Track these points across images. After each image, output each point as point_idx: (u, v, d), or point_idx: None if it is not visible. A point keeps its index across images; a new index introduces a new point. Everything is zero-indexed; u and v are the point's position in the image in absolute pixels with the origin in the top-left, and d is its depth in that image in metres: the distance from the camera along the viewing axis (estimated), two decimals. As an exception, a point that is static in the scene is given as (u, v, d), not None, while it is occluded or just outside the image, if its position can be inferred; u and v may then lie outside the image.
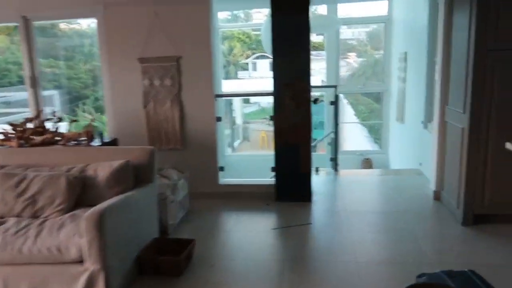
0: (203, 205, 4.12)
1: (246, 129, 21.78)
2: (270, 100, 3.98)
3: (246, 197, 4.26)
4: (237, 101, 21.09)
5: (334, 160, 5.23)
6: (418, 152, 5.24)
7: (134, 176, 3.02)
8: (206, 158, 4.27)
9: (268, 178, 4.30)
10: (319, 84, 10.25)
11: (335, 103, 5.14)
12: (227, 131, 19.91)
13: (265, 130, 20.30)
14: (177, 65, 4.11)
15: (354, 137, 11.30)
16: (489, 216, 3.35)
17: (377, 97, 8.58)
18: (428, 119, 4.95)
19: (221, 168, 4.37)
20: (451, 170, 3.63)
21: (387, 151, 7.41)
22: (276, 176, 4.15)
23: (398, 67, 6.36)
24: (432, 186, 4.08)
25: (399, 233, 3.30)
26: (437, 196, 3.99)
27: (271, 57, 3.92)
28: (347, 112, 16.32)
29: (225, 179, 4.48)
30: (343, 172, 5.21)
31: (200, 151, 4.26)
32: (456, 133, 3.46)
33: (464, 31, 3.27)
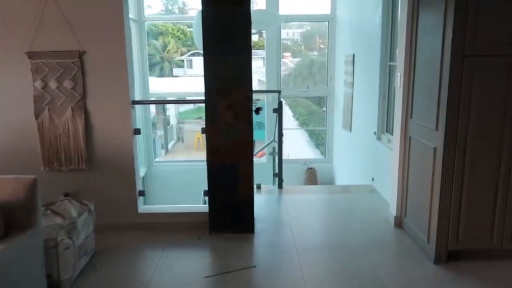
0: (116, 242, 3.22)
1: (181, 129, 20.66)
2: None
3: (174, 229, 3.43)
4: (170, 100, 19.90)
5: (279, 176, 4.54)
6: (370, 165, 4.72)
7: (2, 221, 2.10)
8: (121, 181, 3.37)
9: (200, 204, 3.51)
10: (257, 86, 9.61)
11: (278, 110, 4.45)
12: (160, 132, 18.77)
13: (200, 131, 19.38)
14: (80, 63, 3.16)
15: (295, 142, 10.81)
16: (463, 252, 2.83)
17: (319, 100, 8.09)
18: (381, 130, 4.43)
19: (141, 193, 3.49)
20: (418, 195, 3.08)
21: (332, 160, 6.91)
22: (210, 203, 3.36)
23: (344, 70, 5.84)
24: (392, 211, 3.52)
25: (363, 279, 2.66)
26: (398, 222, 3.44)
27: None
28: (285, 113, 15.90)
29: (147, 206, 3.61)
30: (287, 189, 4.54)
31: (112, 172, 3.34)
32: (426, 153, 2.90)
33: (436, 34, 2.71)
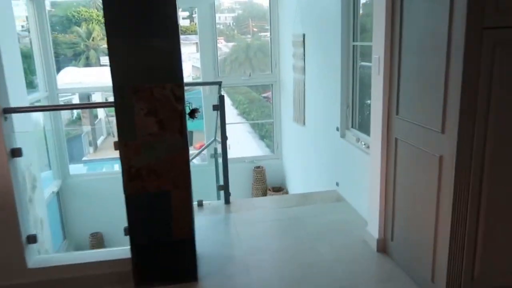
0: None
1: (111, 122, 18.88)
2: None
3: (84, 285, 2.42)
4: (99, 92, 18.05)
5: (225, 189, 3.64)
6: (332, 167, 3.97)
7: None
8: (-4, 227, 2.29)
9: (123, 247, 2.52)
10: (191, 74, 8.64)
11: (220, 106, 3.53)
12: (87, 128, 17.01)
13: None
14: None
15: (236, 134, 9.86)
16: (478, 291, 2.14)
17: (262, 88, 7.26)
18: (346, 125, 3.68)
19: (32, 239, 2.43)
20: (414, 216, 2.34)
21: (281, 156, 6.14)
22: (134, 246, 2.39)
23: (292, 53, 5.03)
24: (372, 231, 2.78)
25: None
26: (381, 247, 2.71)
27: (106, 45, 2.10)
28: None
29: (42, 257, 2.56)
30: (236, 204, 3.67)
31: (-20, 215, 2.25)
32: (425, 162, 2.15)
33: (439, 1, 1.94)
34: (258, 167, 6.01)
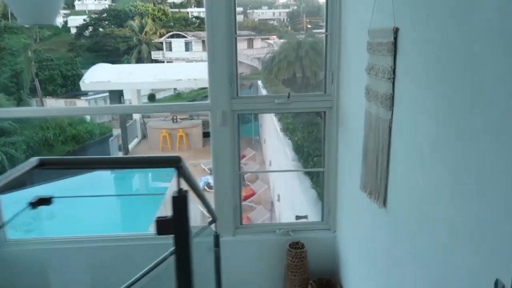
0: None
1: (146, 123, 17.22)
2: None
3: None
4: (131, 90, 16.45)
5: None
6: None
7: None
8: None
9: None
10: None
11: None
12: (116, 132, 15.28)
13: (167, 128, 16.02)
14: None
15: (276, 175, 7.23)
16: None
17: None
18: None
19: None
20: None
21: (335, 226, 3.83)
22: None
23: (367, 64, 2.69)
24: None
25: None
26: None
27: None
28: (268, 128, 12.13)
29: None
30: None
31: None
32: None
33: None
34: (297, 244, 3.72)
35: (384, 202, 2.48)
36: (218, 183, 3.68)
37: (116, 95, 15.24)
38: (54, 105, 24.71)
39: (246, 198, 10.90)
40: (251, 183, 12.32)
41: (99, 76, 13.71)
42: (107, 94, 17.03)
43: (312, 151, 6.48)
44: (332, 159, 3.67)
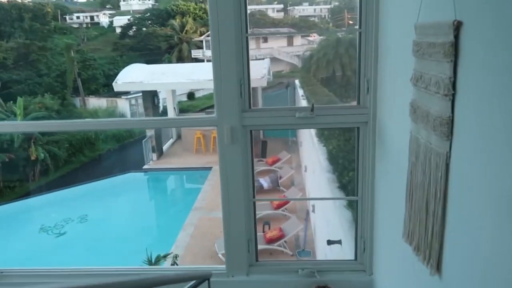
0: None
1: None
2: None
3: None
4: (167, 88, 16.18)
5: None
6: None
7: None
8: None
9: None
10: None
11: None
12: (150, 133, 15.10)
13: (201, 129, 15.64)
14: None
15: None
16: None
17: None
18: None
19: None
20: None
21: (371, 267, 3.10)
22: None
23: (413, 72, 1.97)
24: None
25: None
26: None
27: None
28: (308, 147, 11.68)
29: None
30: None
31: None
32: None
33: None
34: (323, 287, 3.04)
35: (438, 267, 1.76)
36: (228, 212, 3.06)
37: (149, 95, 15.07)
38: (96, 104, 25.41)
39: (279, 206, 10.31)
40: (286, 189, 11.66)
41: (132, 76, 13.55)
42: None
43: (348, 164, 5.74)
44: (367, 187, 2.94)
